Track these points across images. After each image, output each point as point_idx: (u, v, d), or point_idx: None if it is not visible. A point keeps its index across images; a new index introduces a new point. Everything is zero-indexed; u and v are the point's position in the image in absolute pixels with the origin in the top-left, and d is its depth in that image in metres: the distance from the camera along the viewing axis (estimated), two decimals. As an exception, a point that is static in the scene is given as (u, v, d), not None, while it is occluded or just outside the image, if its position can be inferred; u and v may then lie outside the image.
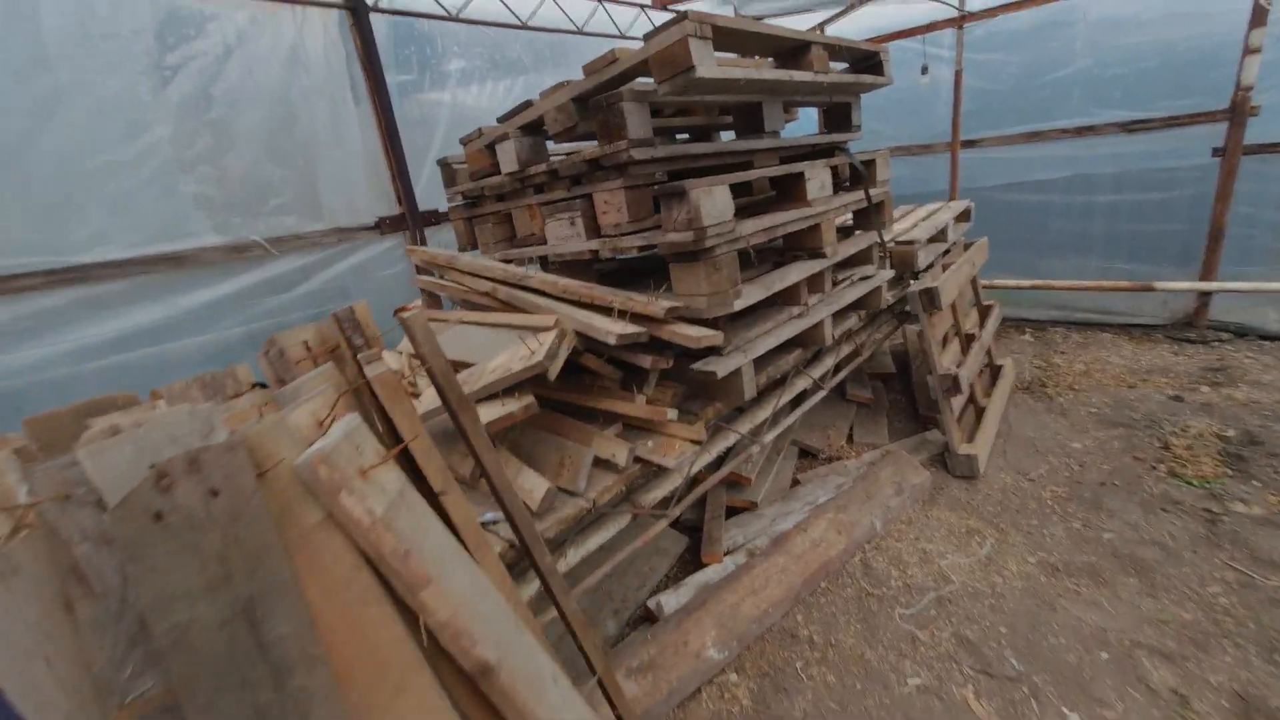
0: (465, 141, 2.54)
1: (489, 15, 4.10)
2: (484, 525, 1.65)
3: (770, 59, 2.42)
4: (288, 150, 3.29)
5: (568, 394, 2.10)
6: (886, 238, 3.04)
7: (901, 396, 3.89)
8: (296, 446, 0.81)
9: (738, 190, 2.08)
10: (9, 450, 0.87)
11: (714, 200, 1.76)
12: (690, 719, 1.92)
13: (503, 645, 0.93)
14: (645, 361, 1.85)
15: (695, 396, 2.21)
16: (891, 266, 3.11)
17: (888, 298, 3.06)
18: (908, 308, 3.04)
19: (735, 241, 1.90)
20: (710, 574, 2.49)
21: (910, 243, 3.23)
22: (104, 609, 0.81)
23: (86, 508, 0.81)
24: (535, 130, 2.21)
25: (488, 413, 1.62)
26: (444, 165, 2.86)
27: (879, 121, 5.17)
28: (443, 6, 3.84)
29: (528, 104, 2.17)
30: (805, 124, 4.09)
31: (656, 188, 1.81)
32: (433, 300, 3.58)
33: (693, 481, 2.29)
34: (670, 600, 2.36)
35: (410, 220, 3.71)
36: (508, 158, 2.21)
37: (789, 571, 2.42)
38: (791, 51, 2.22)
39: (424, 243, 3.77)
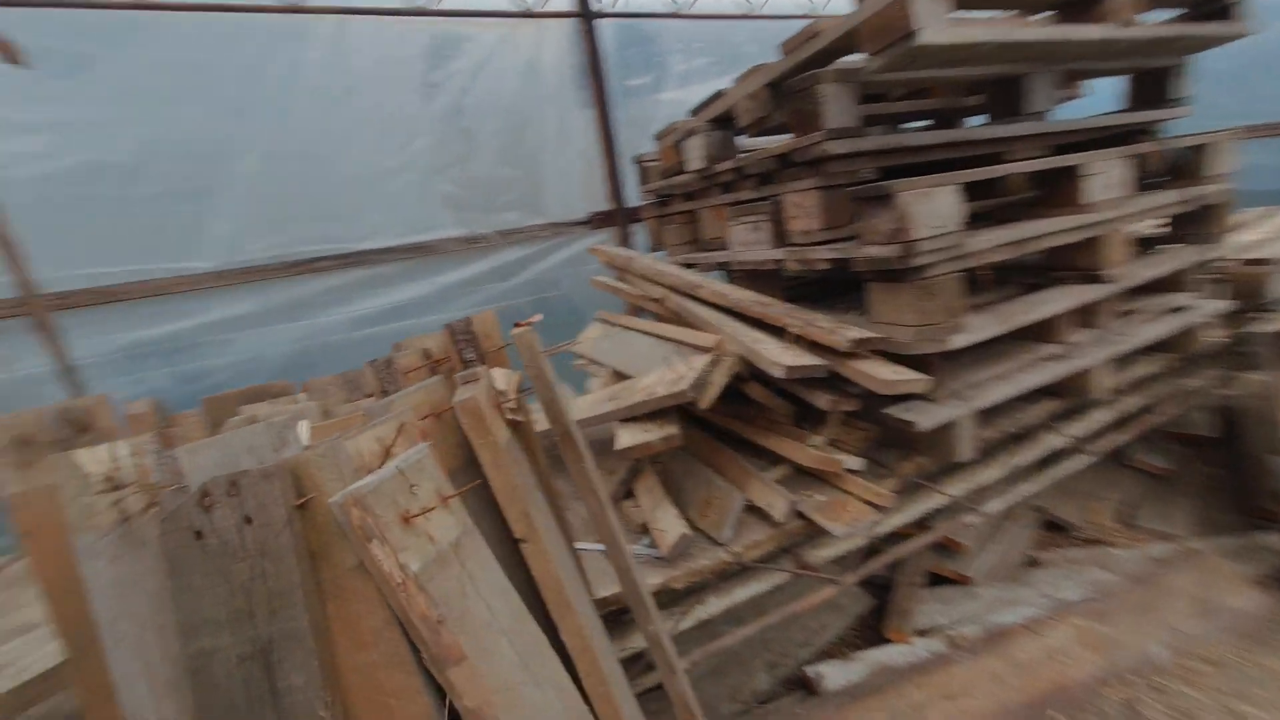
0: (659, 137, 2.42)
1: (719, 8, 3.96)
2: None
3: (1050, 13, 1.83)
4: (518, 153, 3.64)
5: (732, 421, 1.85)
6: (1221, 254, 2.16)
7: (1222, 471, 2.79)
8: (347, 477, 0.75)
9: (978, 190, 1.60)
10: (154, 432, 0.98)
11: (933, 205, 1.34)
12: (832, 843, 1.57)
13: (547, 750, 0.77)
14: (821, 401, 1.52)
15: (891, 444, 1.79)
16: (1234, 295, 2.20)
17: (1213, 336, 2.17)
18: (1245, 349, 2.13)
19: (961, 259, 1.45)
20: (893, 654, 2.05)
21: (1262, 262, 2.26)
22: (194, 601, 0.86)
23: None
24: (726, 123, 1.98)
25: (628, 437, 1.47)
26: (639, 162, 2.80)
27: (1218, 91, 3.71)
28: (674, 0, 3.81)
29: (720, 94, 1.95)
30: (1101, 99, 3.15)
31: (855, 188, 1.45)
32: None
33: (889, 536, 1.88)
34: (836, 674, 2.00)
35: (619, 216, 3.79)
36: (694, 154, 2.03)
37: (1004, 683, 1.88)
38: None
39: (628, 239, 3.82)
